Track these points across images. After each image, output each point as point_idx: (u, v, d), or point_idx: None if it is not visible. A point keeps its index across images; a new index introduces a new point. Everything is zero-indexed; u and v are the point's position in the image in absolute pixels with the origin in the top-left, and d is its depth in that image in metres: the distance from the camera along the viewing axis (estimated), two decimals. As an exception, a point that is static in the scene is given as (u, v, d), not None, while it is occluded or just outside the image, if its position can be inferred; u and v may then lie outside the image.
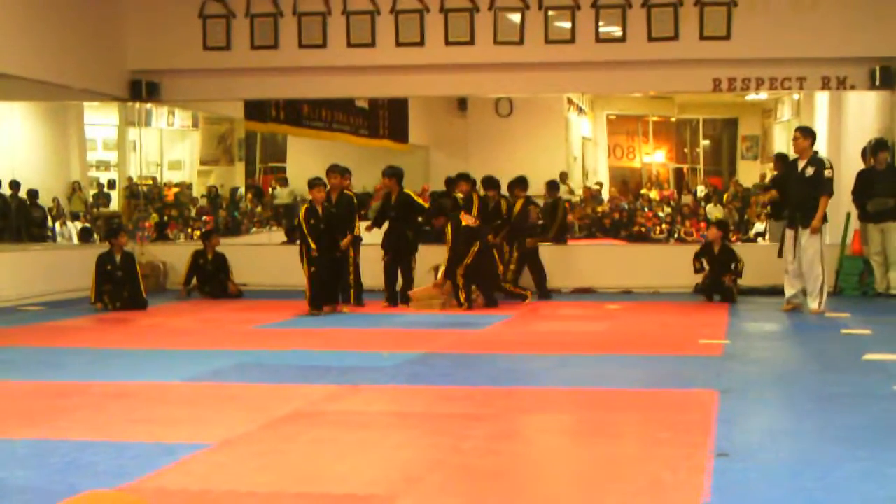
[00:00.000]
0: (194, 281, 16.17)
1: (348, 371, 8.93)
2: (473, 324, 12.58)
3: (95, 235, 20.47)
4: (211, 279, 16.12)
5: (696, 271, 15.09)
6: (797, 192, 13.25)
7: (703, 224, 22.92)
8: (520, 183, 15.67)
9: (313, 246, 13.49)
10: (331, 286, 13.71)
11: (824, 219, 13.20)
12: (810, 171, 13.09)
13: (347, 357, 9.93)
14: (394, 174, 14.88)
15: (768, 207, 17.73)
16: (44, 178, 21.59)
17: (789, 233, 13.36)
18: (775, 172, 17.51)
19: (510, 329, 12.38)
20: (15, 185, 19.78)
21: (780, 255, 13.53)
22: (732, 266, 14.92)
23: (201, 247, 16.31)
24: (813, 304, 13.17)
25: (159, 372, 9.00)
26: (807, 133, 13.47)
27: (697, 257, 15.13)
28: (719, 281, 14.87)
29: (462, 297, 14.06)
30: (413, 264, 14.81)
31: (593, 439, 6.57)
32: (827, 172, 13.09)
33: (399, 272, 14.74)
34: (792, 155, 14.57)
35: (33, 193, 20.61)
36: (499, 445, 6.28)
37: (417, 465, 5.89)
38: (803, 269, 13.22)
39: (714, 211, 24.30)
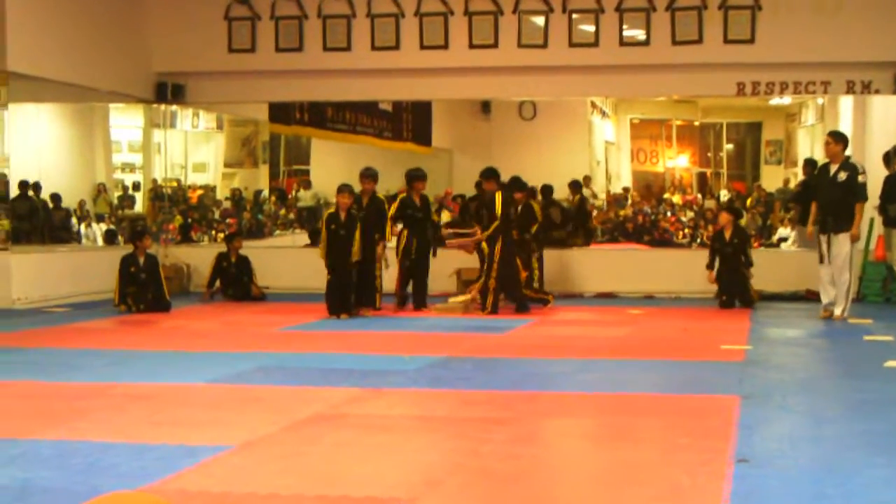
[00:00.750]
0: (217, 283, 16.23)
1: (370, 374, 8.96)
2: (495, 328, 12.59)
3: (120, 237, 20.57)
4: (234, 282, 16.18)
5: (709, 266, 15.01)
6: (829, 197, 13.17)
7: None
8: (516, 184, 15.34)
9: (322, 253, 13.54)
10: (347, 292, 13.70)
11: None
12: (843, 175, 13.02)
13: (370, 360, 9.96)
14: (370, 176, 14.61)
15: (792, 213, 17.69)
16: (69, 180, 21.70)
17: (822, 238, 13.25)
18: (803, 178, 17.46)
19: (532, 333, 12.38)
20: (37, 187, 19.84)
21: (821, 261, 13.35)
22: (743, 257, 14.85)
23: (225, 249, 16.38)
24: (837, 310, 13.12)
25: (181, 374, 9.05)
26: (839, 138, 13.40)
27: (711, 247, 15.12)
28: (732, 273, 14.76)
29: (489, 302, 14.00)
30: (379, 272, 14.40)
31: (613, 444, 6.57)
32: (861, 178, 13.02)
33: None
34: (821, 159, 14.50)
35: (56, 196, 20.71)
36: (519, 449, 6.29)
37: (438, 468, 5.90)
38: (835, 276, 13.14)
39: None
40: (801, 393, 8.30)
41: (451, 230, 15.59)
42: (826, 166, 13.44)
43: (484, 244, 14.04)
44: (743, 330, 12.29)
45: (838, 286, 13.13)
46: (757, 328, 12.56)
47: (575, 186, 19.02)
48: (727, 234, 15.05)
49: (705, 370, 9.42)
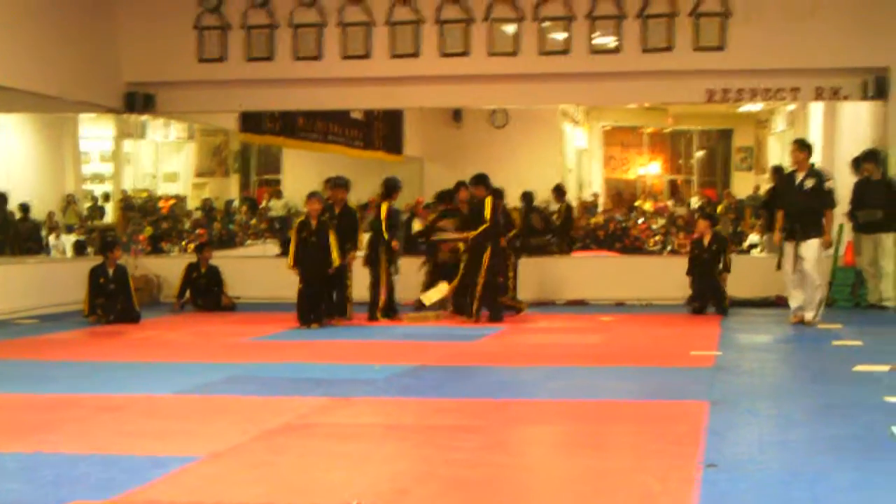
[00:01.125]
0: (188, 294, 16.17)
1: (340, 383, 8.94)
2: (465, 336, 12.59)
3: (90, 248, 20.46)
4: (204, 292, 16.13)
5: (689, 273, 15.06)
6: (796, 205, 13.25)
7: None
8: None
9: (290, 262, 13.51)
10: (319, 301, 13.67)
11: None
12: (809, 183, 13.11)
13: (339, 369, 9.94)
14: (342, 185, 14.53)
15: (761, 220, 17.77)
16: (38, 191, 21.58)
17: (788, 245, 13.29)
18: (771, 185, 17.54)
19: (501, 341, 12.38)
20: (3, 198, 19.70)
21: (778, 267, 13.47)
22: (721, 263, 14.91)
23: (195, 260, 16.32)
24: (808, 315, 13.18)
25: (150, 385, 8.98)
26: (803, 146, 13.52)
27: (691, 254, 15.19)
28: (708, 279, 14.82)
29: (475, 308, 13.92)
30: (349, 281, 14.37)
31: (584, 451, 6.58)
32: (828, 184, 13.13)
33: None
34: (786, 166, 14.59)
35: (25, 206, 20.59)
36: (489, 457, 6.28)
37: (408, 476, 5.89)
38: (804, 281, 13.20)
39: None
40: (770, 398, 8.35)
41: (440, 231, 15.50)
42: (792, 174, 13.52)
43: (462, 250, 14.04)
44: (713, 336, 12.33)
45: (809, 292, 13.19)
46: (727, 334, 12.61)
47: (559, 193, 19.02)
48: (705, 241, 15.12)
49: (675, 376, 9.45)
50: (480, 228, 13.88)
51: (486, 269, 13.82)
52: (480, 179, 14.25)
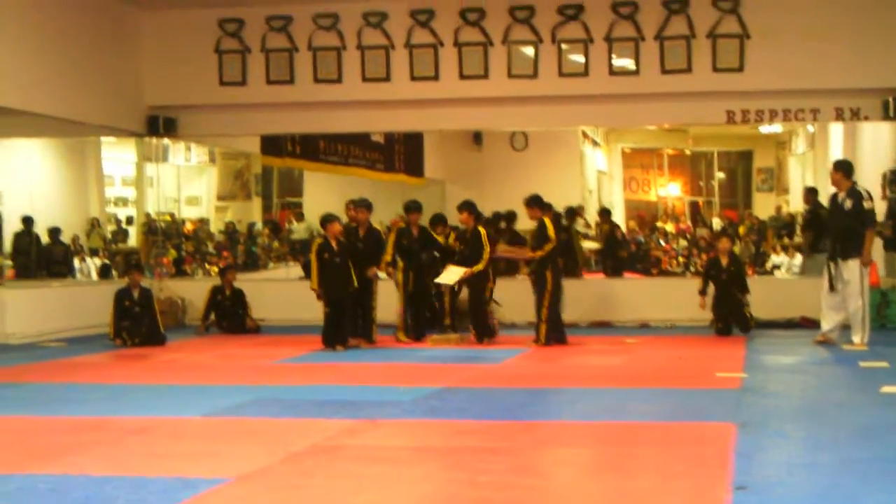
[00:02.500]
0: (213, 317, 16.24)
1: (366, 406, 8.96)
2: (490, 358, 12.60)
3: (114, 271, 20.58)
4: (229, 314, 16.19)
5: (701, 292, 15.02)
6: (836, 225, 13.27)
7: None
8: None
9: (314, 284, 13.52)
10: (343, 323, 13.68)
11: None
12: (849, 203, 13.08)
13: (365, 392, 9.96)
14: (366, 206, 14.57)
15: (785, 239, 17.75)
16: (63, 215, 21.71)
17: (831, 265, 13.27)
18: (806, 206, 17.51)
19: (527, 363, 12.39)
20: (28, 221, 19.82)
21: (831, 289, 13.32)
22: (740, 285, 14.88)
23: (219, 282, 16.39)
24: (856, 339, 13.07)
25: (178, 407, 9.04)
26: (838, 166, 13.52)
27: (706, 274, 15.15)
28: (730, 300, 14.80)
29: (543, 333, 13.80)
30: (374, 303, 14.43)
31: (611, 473, 6.58)
32: (867, 204, 13.05)
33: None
34: (820, 187, 14.54)
35: (55, 231, 20.71)
36: (516, 479, 6.29)
37: (435, 499, 5.91)
38: (847, 304, 13.13)
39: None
40: (798, 420, 8.31)
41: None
42: (836, 195, 13.48)
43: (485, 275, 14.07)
44: (738, 357, 12.30)
45: (852, 314, 13.11)
46: (752, 356, 12.57)
47: (605, 215, 19.00)
48: (724, 261, 15.09)
49: (701, 398, 9.44)
50: (547, 248, 13.84)
51: (551, 292, 13.79)
52: (535, 201, 14.18)
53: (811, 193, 17.43)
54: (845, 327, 13.39)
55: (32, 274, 18.85)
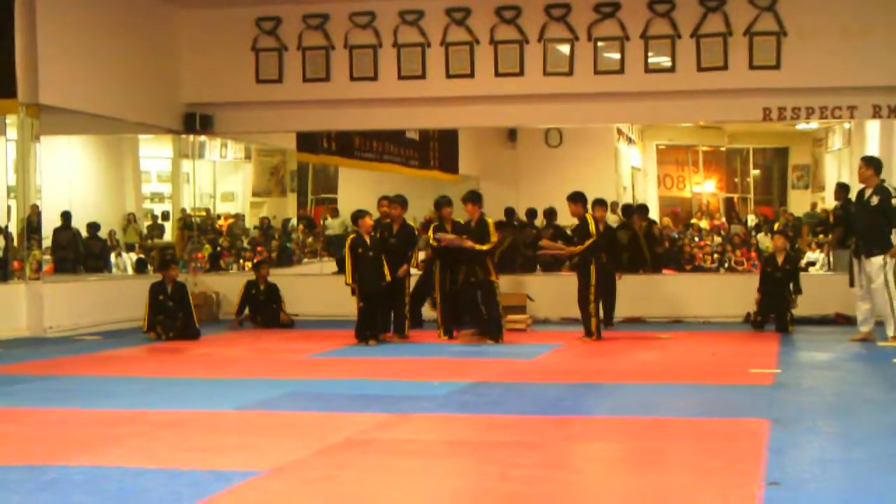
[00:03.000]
0: (247, 311, 16.32)
1: (399, 400, 9.00)
2: (523, 353, 12.61)
3: (149, 266, 20.72)
4: (263, 309, 16.27)
5: (760, 290, 14.98)
6: (861, 221, 13.21)
7: (753, 254, 22.81)
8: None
9: (349, 279, 13.53)
10: (375, 317, 13.71)
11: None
12: (875, 199, 13.00)
13: (398, 386, 10.00)
14: (398, 201, 14.52)
15: (821, 237, 17.65)
16: (100, 211, 21.90)
17: (855, 261, 13.23)
18: (837, 202, 17.42)
19: (560, 358, 12.39)
20: (67, 216, 19.98)
21: (851, 284, 13.33)
22: (793, 284, 14.82)
23: (254, 277, 16.47)
24: (889, 331, 13.00)
25: (212, 400, 9.11)
26: (869, 162, 13.42)
27: (762, 271, 15.09)
28: (779, 298, 14.74)
29: (594, 325, 13.83)
30: (406, 298, 14.42)
31: (643, 468, 6.57)
32: (894, 201, 12.97)
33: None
34: (851, 183, 14.46)
35: (94, 226, 20.87)
36: (548, 473, 6.30)
37: (466, 492, 5.92)
38: (875, 300, 13.07)
39: (765, 240, 24.17)
40: (831, 416, 8.28)
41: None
42: (862, 191, 13.41)
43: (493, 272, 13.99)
44: (772, 353, 12.26)
45: (882, 308, 13.04)
46: (786, 351, 12.53)
47: (642, 211, 18.98)
48: (780, 259, 15.04)
49: (735, 394, 9.41)
50: (588, 243, 13.81)
51: (595, 286, 13.79)
52: (578, 197, 14.14)
53: (842, 189, 17.32)
54: (879, 323, 13.30)
55: (71, 268, 19.00)
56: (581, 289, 13.83)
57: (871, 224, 13.01)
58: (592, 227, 13.83)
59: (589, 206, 14.46)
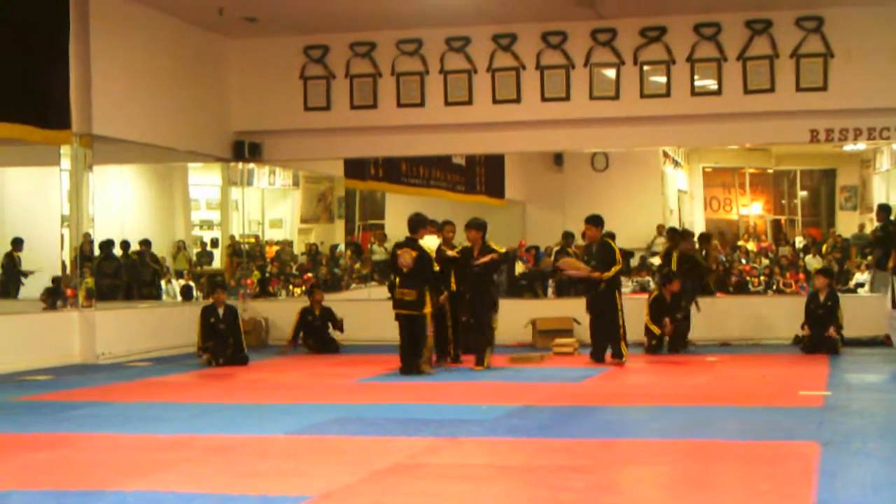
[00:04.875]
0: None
1: (448, 424, 9.02)
2: (571, 377, 12.61)
3: (198, 292, 20.87)
4: (320, 334, 16.32)
5: (804, 326, 14.94)
6: None
7: (801, 275, 22.66)
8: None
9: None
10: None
11: None
12: None
13: (447, 410, 10.04)
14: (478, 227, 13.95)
15: (869, 258, 17.51)
16: (151, 238, 22.09)
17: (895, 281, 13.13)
18: (878, 223, 17.31)
19: (608, 382, 12.38)
20: (126, 245, 20.26)
21: (893, 306, 13.23)
22: (835, 320, 14.74)
23: (308, 303, 16.50)
24: None
25: (261, 426, 9.18)
26: None
27: (807, 307, 15.02)
28: (824, 335, 14.67)
29: (624, 348, 13.84)
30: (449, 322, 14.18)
31: (693, 491, 6.56)
32: None
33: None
34: (894, 204, 14.36)
35: (142, 253, 21.10)
36: (598, 497, 6.31)
37: (517, 515, 5.95)
38: None
39: (813, 262, 24.02)
40: (882, 438, 8.22)
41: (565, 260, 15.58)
42: None
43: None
44: (821, 375, 12.18)
45: None
46: (836, 374, 12.45)
47: (704, 239, 19.09)
48: (822, 297, 14.99)
49: (784, 416, 9.38)
50: (614, 270, 13.87)
51: (621, 310, 13.81)
52: (597, 220, 14.15)
53: (882, 211, 17.20)
54: None
55: (116, 296, 19.19)
56: (608, 315, 13.79)
57: None
58: (618, 254, 13.90)
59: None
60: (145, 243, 21.26)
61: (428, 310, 13.09)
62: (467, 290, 13.79)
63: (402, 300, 13.16)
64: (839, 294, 15.56)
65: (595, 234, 14.10)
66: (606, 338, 13.92)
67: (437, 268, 13.32)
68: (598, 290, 13.97)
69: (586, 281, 14.22)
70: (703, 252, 18.15)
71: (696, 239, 18.46)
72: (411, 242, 13.24)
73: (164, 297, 21.08)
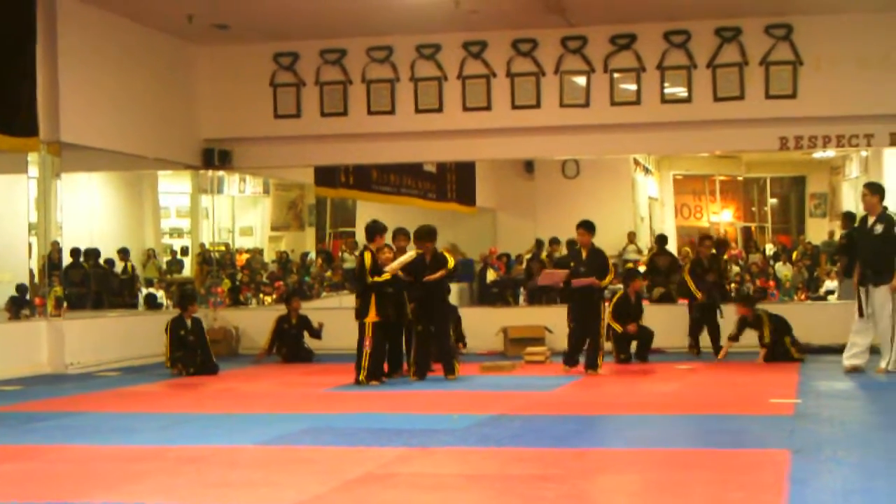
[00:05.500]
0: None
1: (419, 433, 9.00)
2: (542, 386, 12.60)
3: (167, 301, 20.76)
4: (295, 342, 16.24)
5: (732, 338, 15.18)
6: (867, 250, 13.09)
7: (772, 283, 22.76)
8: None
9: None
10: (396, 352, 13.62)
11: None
12: (879, 228, 12.92)
13: (418, 420, 10.00)
14: (428, 235, 13.62)
15: (837, 265, 17.58)
16: (120, 246, 21.99)
17: (861, 291, 13.07)
18: (843, 231, 17.39)
19: (579, 391, 12.37)
20: (77, 252, 20.04)
21: (860, 314, 13.13)
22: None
23: (285, 312, 16.42)
24: (882, 363, 12.94)
25: (232, 436, 9.12)
26: (875, 189, 13.27)
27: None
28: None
29: (601, 358, 13.76)
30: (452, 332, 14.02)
31: (665, 499, 6.55)
32: None
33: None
34: (859, 212, 14.40)
35: (108, 261, 20.99)
36: (569, 507, 6.30)
37: (488, 526, 5.92)
38: (878, 329, 12.98)
39: (783, 269, 24.13)
40: (853, 446, 8.24)
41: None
42: (865, 218, 13.32)
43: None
44: (792, 383, 12.22)
45: (883, 339, 12.96)
46: (806, 381, 12.48)
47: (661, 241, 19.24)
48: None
49: (755, 424, 9.40)
50: (609, 277, 13.86)
51: (604, 320, 13.86)
52: (592, 227, 13.89)
53: (847, 218, 17.30)
54: (874, 351, 13.23)
55: (84, 305, 19.08)
56: (591, 322, 13.70)
57: (877, 253, 12.89)
58: (611, 262, 13.89)
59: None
60: (123, 252, 21.13)
61: (369, 319, 12.92)
62: (419, 299, 13.39)
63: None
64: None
65: (587, 240, 13.90)
66: (583, 346, 13.82)
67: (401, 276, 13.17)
68: (591, 297, 13.79)
69: (586, 287, 13.76)
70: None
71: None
72: (364, 250, 13.15)
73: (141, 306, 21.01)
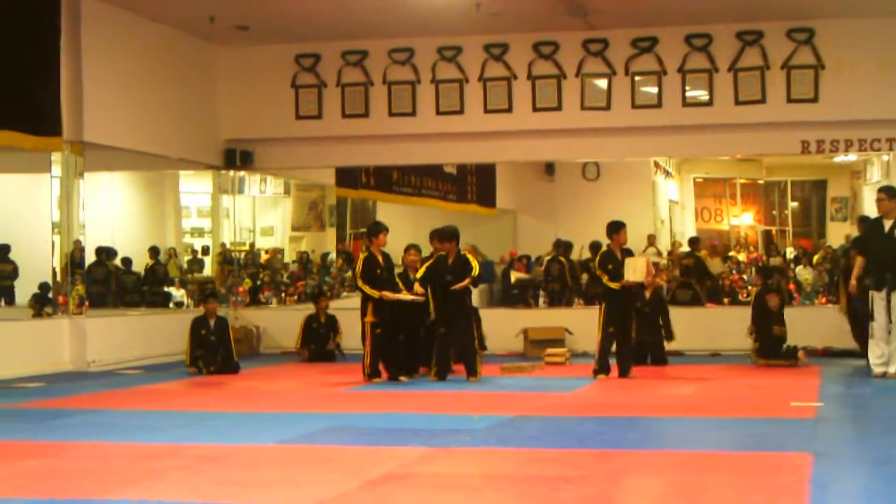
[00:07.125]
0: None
1: (440, 434, 9.01)
2: (562, 387, 12.61)
3: (188, 300, 20.82)
4: (324, 341, 16.32)
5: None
6: (885, 254, 12.93)
7: (792, 286, 22.67)
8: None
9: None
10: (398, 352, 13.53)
11: None
12: None
13: (438, 420, 10.02)
14: (451, 236, 13.50)
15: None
16: (141, 246, 22.04)
17: (878, 294, 12.95)
18: (858, 235, 17.31)
19: (599, 392, 12.37)
20: (101, 251, 20.08)
21: (870, 318, 13.02)
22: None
23: (313, 311, 16.49)
24: (891, 368, 12.76)
25: (253, 434, 9.14)
26: (891, 193, 13.13)
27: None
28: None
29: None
30: (475, 332, 13.76)
31: (684, 502, 6.55)
32: None
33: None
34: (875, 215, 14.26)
35: (127, 261, 21.04)
36: (590, 508, 6.30)
37: (509, 526, 5.93)
38: (893, 333, 12.83)
39: (804, 273, 24.03)
40: (874, 449, 8.22)
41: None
42: (879, 221, 13.16)
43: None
44: (813, 387, 12.19)
45: (893, 344, 12.80)
46: (827, 385, 12.46)
47: (692, 243, 19.18)
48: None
49: (776, 427, 9.37)
50: (605, 278, 13.78)
51: (603, 324, 13.77)
52: (619, 226, 13.79)
53: (865, 223, 17.21)
54: None
55: (106, 304, 19.15)
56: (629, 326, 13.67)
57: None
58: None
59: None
60: (153, 250, 21.23)
61: (367, 319, 13.11)
62: (441, 303, 13.30)
63: None
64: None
65: (623, 240, 13.76)
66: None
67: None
68: (635, 300, 13.75)
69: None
70: None
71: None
72: (364, 251, 13.31)
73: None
